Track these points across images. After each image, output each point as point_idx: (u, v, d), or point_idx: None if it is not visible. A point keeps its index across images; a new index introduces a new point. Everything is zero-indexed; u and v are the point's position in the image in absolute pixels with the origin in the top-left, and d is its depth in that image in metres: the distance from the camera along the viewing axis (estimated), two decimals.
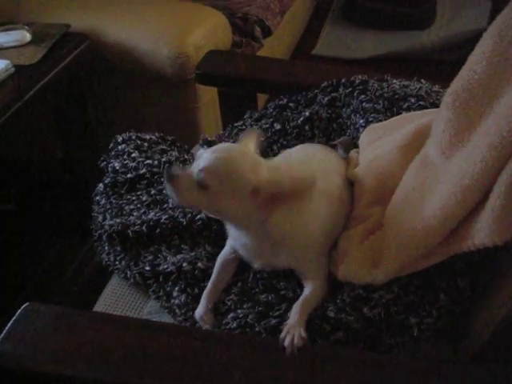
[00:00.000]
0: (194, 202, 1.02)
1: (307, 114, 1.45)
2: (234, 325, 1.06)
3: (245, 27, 2.19)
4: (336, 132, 1.45)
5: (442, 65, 2.82)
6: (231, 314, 1.08)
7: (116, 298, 1.26)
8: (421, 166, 1.06)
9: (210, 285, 1.13)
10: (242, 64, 1.68)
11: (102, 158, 1.42)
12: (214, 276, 1.14)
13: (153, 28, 1.92)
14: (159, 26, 1.93)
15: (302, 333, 0.98)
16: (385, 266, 1.00)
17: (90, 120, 1.91)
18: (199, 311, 1.10)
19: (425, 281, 1.03)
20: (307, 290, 1.09)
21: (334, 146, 1.39)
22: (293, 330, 0.99)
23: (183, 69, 1.88)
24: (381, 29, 3.16)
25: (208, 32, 1.96)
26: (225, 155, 1.02)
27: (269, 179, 1.00)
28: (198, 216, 1.24)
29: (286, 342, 0.97)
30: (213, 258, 1.19)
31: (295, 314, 1.03)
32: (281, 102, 1.52)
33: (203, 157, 1.02)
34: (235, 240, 1.13)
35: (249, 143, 1.10)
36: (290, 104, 1.51)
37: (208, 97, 1.99)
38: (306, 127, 1.45)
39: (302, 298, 1.07)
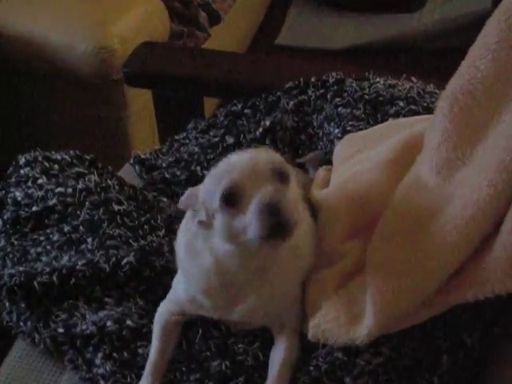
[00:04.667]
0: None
1: (267, 123, 1.46)
2: None
3: (187, 13, 2.19)
4: (305, 145, 1.46)
5: (436, 56, 2.86)
6: None
7: (21, 370, 1.23)
8: (413, 190, 1.05)
9: (153, 355, 1.11)
10: (183, 60, 1.67)
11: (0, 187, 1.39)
12: (156, 343, 1.12)
13: (67, 17, 1.92)
14: (75, 14, 1.92)
15: None
16: (368, 320, 0.99)
17: None
18: None
19: (422, 340, 1.02)
20: (282, 348, 1.07)
21: (301, 166, 1.38)
22: None
23: (106, 67, 1.88)
24: (360, 12, 3.21)
25: (138, 20, 1.96)
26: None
27: None
28: (125, 260, 1.22)
29: None
30: (146, 313, 1.17)
31: None
32: (234, 108, 1.53)
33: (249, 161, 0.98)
34: (210, 281, 1.08)
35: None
36: (246, 110, 1.52)
37: (140, 103, 1.98)
38: (267, 140, 1.45)
39: (278, 360, 1.06)
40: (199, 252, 1.07)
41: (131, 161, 1.53)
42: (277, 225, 0.93)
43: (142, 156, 1.53)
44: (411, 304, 0.97)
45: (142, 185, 1.47)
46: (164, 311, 1.15)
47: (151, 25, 2.00)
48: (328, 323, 1.02)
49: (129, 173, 1.54)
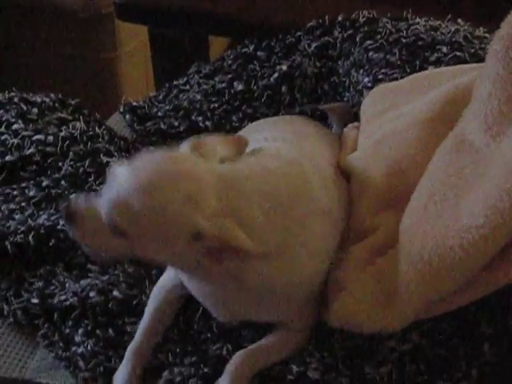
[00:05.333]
0: (109, 251, 1.01)
1: (284, 67, 1.46)
2: None
3: None
4: (328, 96, 1.46)
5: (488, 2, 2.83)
6: (165, 373, 1.06)
7: None
8: (455, 151, 1.04)
9: (139, 336, 1.11)
10: None
11: None
12: (145, 322, 1.12)
13: None
14: None
15: None
16: (401, 304, 0.99)
17: None
18: (121, 376, 1.08)
19: (460, 325, 1.02)
20: (270, 337, 1.08)
21: (322, 114, 1.38)
22: None
23: None
24: None
25: None
26: (150, 178, 0.96)
27: (219, 224, 0.94)
28: None
29: None
30: (136, 282, 1.17)
31: (224, 381, 1.03)
32: (245, 50, 1.53)
33: (116, 179, 0.96)
34: (185, 278, 1.10)
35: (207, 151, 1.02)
36: (259, 53, 1.51)
37: (134, 42, 1.98)
38: (283, 88, 1.45)
39: (248, 348, 1.06)
40: None
41: (121, 109, 1.54)
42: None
43: (134, 104, 1.54)
44: (453, 282, 0.97)
45: (133, 137, 1.48)
46: (164, 284, 1.14)
47: None
48: (353, 306, 1.02)
49: (118, 123, 1.55)
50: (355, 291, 1.03)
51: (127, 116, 1.52)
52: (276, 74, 1.46)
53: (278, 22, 1.55)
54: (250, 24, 1.59)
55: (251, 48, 1.53)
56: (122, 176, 0.95)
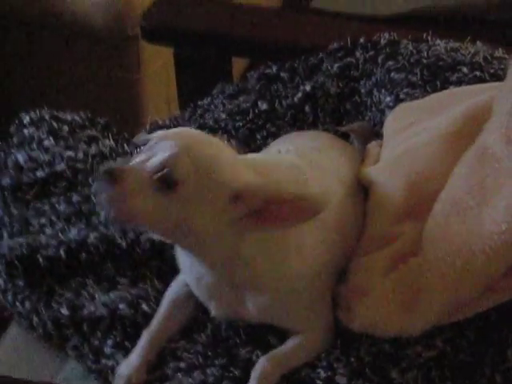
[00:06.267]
0: (147, 213, 1.01)
1: (308, 88, 1.48)
2: None
3: None
4: (350, 115, 1.48)
5: (503, 28, 2.87)
6: (196, 374, 1.10)
7: (15, 359, 1.27)
8: (477, 162, 1.08)
9: (154, 325, 1.15)
10: (211, 13, 1.71)
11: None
12: (159, 317, 1.16)
13: None
14: None
15: None
16: (424, 308, 1.02)
17: None
18: (127, 367, 1.12)
19: (483, 330, 1.05)
20: (291, 341, 1.11)
21: (344, 135, 1.41)
22: None
23: (121, 21, 1.92)
24: None
25: None
26: (197, 142, 1.03)
27: (258, 183, 1.02)
28: (145, 236, 1.25)
29: None
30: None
31: (253, 380, 1.06)
32: (268, 71, 1.55)
33: (161, 145, 1.02)
34: (187, 271, 1.15)
35: None
36: (283, 74, 1.53)
37: (157, 63, 2.02)
38: (306, 108, 1.48)
39: (273, 352, 1.09)
40: None
41: (147, 127, 1.55)
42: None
43: (160, 122, 1.56)
44: (475, 287, 1.00)
45: None
46: (176, 283, 1.19)
47: None
48: (377, 311, 1.05)
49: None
50: (378, 296, 1.06)
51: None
52: (299, 94, 1.48)
53: (301, 44, 1.59)
54: (272, 46, 1.62)
55: (274, 69, 1.55)
56: (172, 139, 1.02)
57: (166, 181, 0.99)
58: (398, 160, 1.21)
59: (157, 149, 1.01)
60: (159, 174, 0.99)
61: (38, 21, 1.98)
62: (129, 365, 1.12)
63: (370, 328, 1.06)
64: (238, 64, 2.13)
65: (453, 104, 1.25)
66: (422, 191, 1.15)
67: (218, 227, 1.02)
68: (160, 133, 1.05)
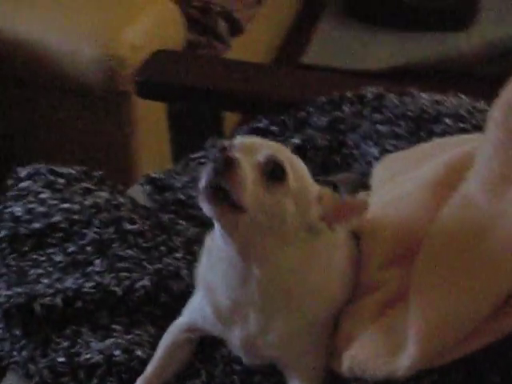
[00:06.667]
0: (256, 198, 1.05)
1: (297, 141, 1.53)
2: None
3: (204, 20, 2.29)
4: (339, 167, 1.53)
5: (487, 82, 2.93)
6: None
7: None
8: (459, 208, 1.12)
9: (149, 369, 1.18)
10: (203, 70, 1.77)
11: None
12: (155, 362, 1.19)
13: (71, 19, 2.01)
14: (80, 17, 2.01)
15: None
16: (411, 350, 1.04)
17: None
18: None
19: (470, 374, 1.08)
20: None
21: (333, 186, 1.45)
22: None
23: (114, 77, 1.97)
24: (399, 29, 3.29)
25: (150, 26, 2.06)
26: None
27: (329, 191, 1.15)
28: (140, 283, 1.29)
29: None
30: (158, 343, 1.23)
31: None
32: (258, 125, 1.60)
33: (257, 143, 1.10)
34: (214, 291, 1.16)
35: None
36: (273, 128, 1.58)
37: (150, 118, 2.07)
38: None
39: None
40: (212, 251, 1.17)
41: (141, 181, 1.60)
42: (220, 180, 1.03)
43: (153, 175, 1.60)
44: (460, 331, 1.03)
45: (154, 207, 1.53)
46: (173, 328, 1.22)
47: (165, 32, 2.09)
48: (365, 354, 1.08)
49: (138, 194, 1.60)
50: (365, 341, 1.09)
51: (147, 187, 1.57)
52: (289, 147, 1.52)
53: (290, 98, 1.63)
54: (261, 100, 1.67)
55: (265, 123, 1.59)
56: (262, 140, 1.13)
57: (275, 172, 1.06)
58: (383, 209, 1.24)
59: (257, 146, 1.09)
60: (272, 165, 1.06)
61: (33, 78, 2.03)
62: None
63: (358, 371, 1.08)
64: (230, 118, 2.18)
65: (436, 154, 1.29)
66: (407, 239, 1.18)
67: (301, 225, 1.10)
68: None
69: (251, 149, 1.08)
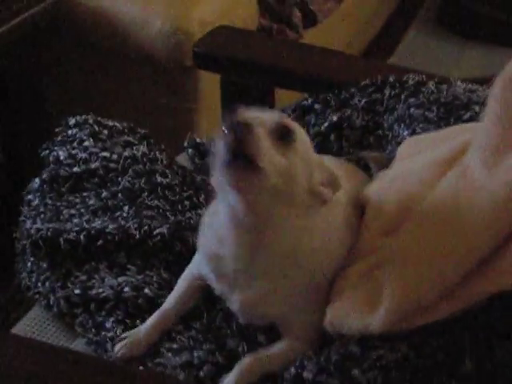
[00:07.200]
0: (274, 165, 1.09)
1: (335, 118, 1.58)
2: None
3: (279, 8, 2.35)
4: (372, 147, 1.57)
5: None
6: (185, 354, 1.20)
7: (31, 336, 1.36)
8: (455, 180, 1.16)
9: (168, 303, 1.26)
10: (259, 46, 1.82)
11: (43, 146, 1.56)
12: (175, 294, 1.27)
13: None
14: None
15: None
16: (384, 306, 1.09)
17: (45, 109, 2.05)
18: (134, 335, 1.23)
19: (444, 339, 1.11)
20: (278, 345, 1.21)
21: (361, 162, 1.50)
22: None
23: (180, 51, 2.04)
24: (489, 42, 3.31)
25: (222, 5, 2.14)
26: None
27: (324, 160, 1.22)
28: (157, 230, 1.36)
29: None
30: (167, 285, 1.31)
31: (234, 375, 1.16)
32: (304, 103, 1.66)
33: (262, 114, 1.14)
34: (216, 250, 1.21)
35: None
36: (316, 106, 1.64)
37: (213, 96, 2.11)
38: (331, 137, 1.58)
39: (258, 351, 1.19)
40: (214, 225, 1.22)
41: (185, 144, 1.68)
42: (239, 147, 1.07)
43: (198, 140, 1.68)
44: (432, 293, 1.07)
45: (190, 167, 1.61)
46: (189, 272, 1.30)
47: (236, 13, 2.15)
48: (344, 308, 1.13)
49: (182, 161, 1.68)
50: (348, 296, 1.15)
51: (189, 150, 1.66)
52: (326, 123, 1.58)
53: (337, 79, 1.67)
54: (314, 81, 1.72)
55: (310, 101, 1.64)
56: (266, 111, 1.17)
57: (286, 135, 1.13)
58: (392, 181, 1.29)
59: (258, 117, 1.13)
60: (282, 128, 1.13)
61: (99, 41, 2.11)
62: (136, 333, 1.24)
63: (337, 325, 1.14)
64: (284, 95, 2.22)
65: (454, 137, 1.32)
66: (406, 211, 1.22)
67: (307, 189, 1.15)
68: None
69: (258, 118, 1.13)
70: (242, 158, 1.07)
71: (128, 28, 2.07)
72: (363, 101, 1.59)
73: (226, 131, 1.09)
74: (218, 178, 1.13)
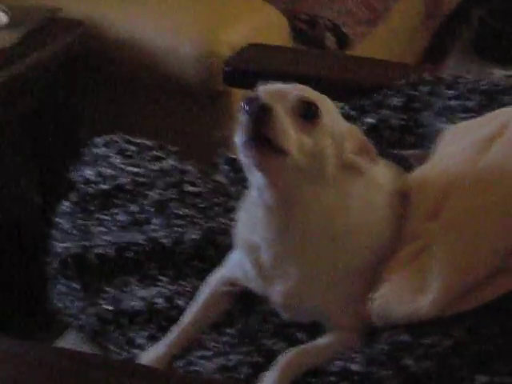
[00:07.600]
0: (298, 145, 1.06)
1: (372, 120, 1.54)
2: None
3: (311, 33, 2.32)
4: (414, 147, 1.51)
5: None
6: (220, 359, 1.13)
7: None
8: (501, 148, 1.10)
9: (186, 319, 1.20)
10: (288, 59, 1.80)
11: (71, 167, 1.52)
12: (193, 311, 1.21)
13: (173, 17, 2.08)
14: (182, 16, 2.08)
15: None
16: (434, 287, 1.04)
17: (79, 139, 2.02)
18: (150, 355, 1.17)
19: (505, 321, 1.05)
20: (322, 339, 1.15)
21: (403, 160, 1.44)
22: None
23: (212, 75, 2.00)
24: None
25: (253, 29, 2.10)
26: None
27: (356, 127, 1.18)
28: (188, 236, 1.32)
29: None
30: None
31: (275, 371, 1.09)
32: (340, 111, 1.58)
33: (282, 88, 1.11)
34: (260, 244, 1.15)
35: None
36: (352, 113, 1.59)
37: None
38: (370, 139, 1.51)
39: (302, 346, 1.12)
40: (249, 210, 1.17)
41: (219, 160, 1.62)
42: (258, 128, 1.03)
43: (233, 156, 1.63)
44: (484, 267, 1.02)
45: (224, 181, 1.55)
46: (213, 280, 1.23)
47: (268, 37, 2.10)
48: (392, 295, 1.08)
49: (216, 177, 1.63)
50: (394, 283, 1.09)
51: (224, 167, 1.59)
52: (364, 127, 1.53)
53: (369, 85, 1.63)
54: (346, 88, 1.68)
55: (345, 109, 1.59)
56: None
57: (309, 111, 1.08)
58: (434, 165, 1.25)
59: (278, 94, 1.09)
60: (304, 105, 1.08)
61: (130, 71, 2.10)
62: (151, 353, 1.17)
63: (384, 313, 1.08)
64: None
65: (498, 117, 1.27)
66: (453, 188, 1.17)
67: (338, 162, 1.11)
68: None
69: (279, 94, 1.09)
70: (263, 139, 1.04)
71: (158, 54, 2.05)
72: (399, 100, 1.55)
73: (245, 110, 1.06)
74: (242, 159, 1.08)
